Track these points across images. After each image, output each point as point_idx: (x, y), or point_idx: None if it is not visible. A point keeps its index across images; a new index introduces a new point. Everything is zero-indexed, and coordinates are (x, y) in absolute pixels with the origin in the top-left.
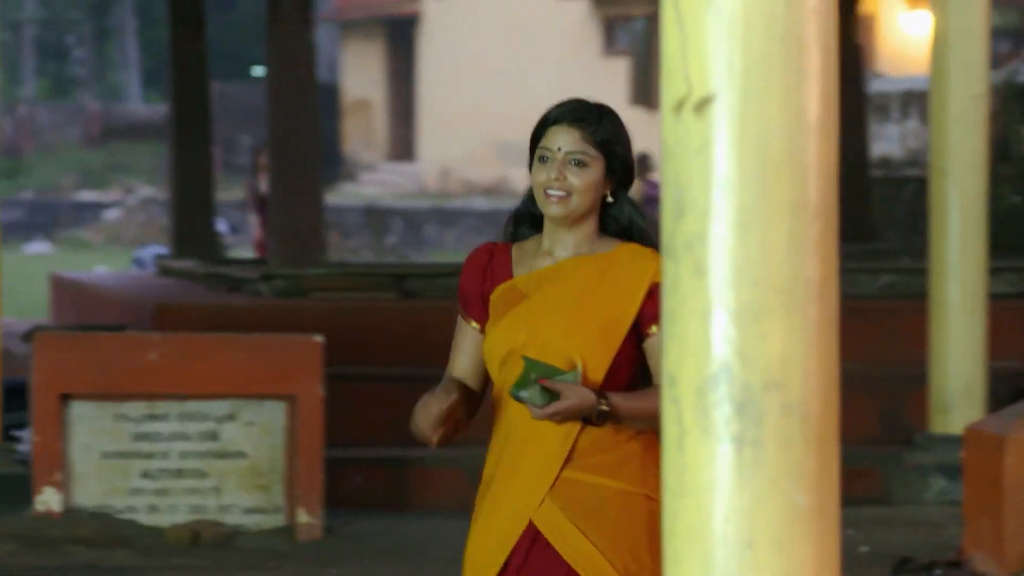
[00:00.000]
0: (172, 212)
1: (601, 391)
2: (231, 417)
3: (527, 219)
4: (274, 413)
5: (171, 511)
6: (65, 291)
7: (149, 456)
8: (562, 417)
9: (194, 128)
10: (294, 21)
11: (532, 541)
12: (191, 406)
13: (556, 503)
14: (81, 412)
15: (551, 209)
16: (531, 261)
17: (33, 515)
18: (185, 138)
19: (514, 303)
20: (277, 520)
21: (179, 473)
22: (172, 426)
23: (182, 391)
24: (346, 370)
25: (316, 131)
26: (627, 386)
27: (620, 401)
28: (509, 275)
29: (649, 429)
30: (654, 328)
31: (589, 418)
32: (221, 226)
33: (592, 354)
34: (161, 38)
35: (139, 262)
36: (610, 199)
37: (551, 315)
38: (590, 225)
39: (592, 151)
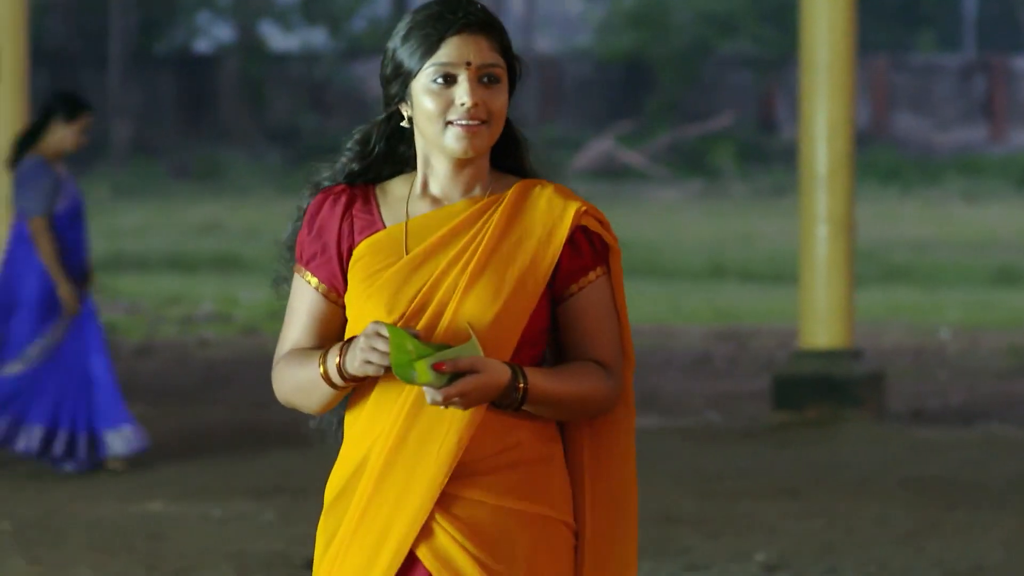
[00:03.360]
0: None
1: (517, 365)
2: None
3: (388, 157)
4: None
5: None
6: None
7: None
8: (468, 401)
9: None
10: None
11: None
12: None
13: (449, 532)
14: None
15: (460, 145)
16: (404, 207)
17: None
18: None
19: (391, 261)
20: None
21: None
22: None
23: None
24: None
25: None
26: (531, 364)
27: (540, 379)
28: (380, 224)
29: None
30: (574, 287)
31: (504, 401)
32: None
33: (502, 323)
34: None
35: None
36: None
37: (447, 275)
38: (486, 159)
39: (503, 63)
